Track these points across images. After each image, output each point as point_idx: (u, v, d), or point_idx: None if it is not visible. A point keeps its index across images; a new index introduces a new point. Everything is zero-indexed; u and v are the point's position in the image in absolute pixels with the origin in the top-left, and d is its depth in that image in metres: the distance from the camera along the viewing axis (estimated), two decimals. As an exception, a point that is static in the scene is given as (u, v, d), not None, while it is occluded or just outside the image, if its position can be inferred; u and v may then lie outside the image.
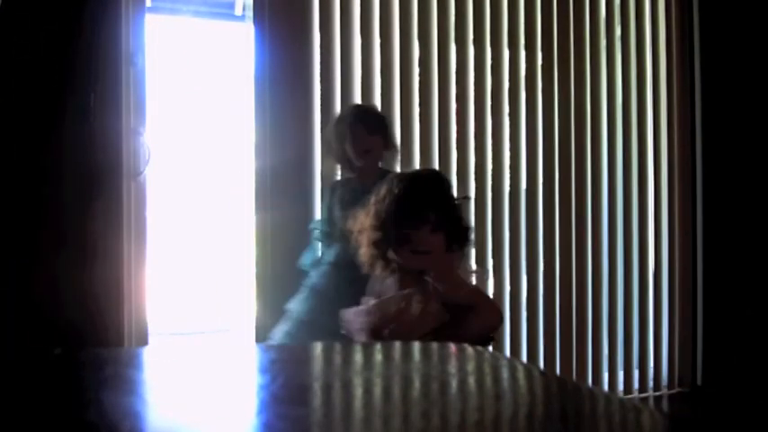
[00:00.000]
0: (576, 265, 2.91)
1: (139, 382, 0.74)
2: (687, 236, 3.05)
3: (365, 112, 2.40)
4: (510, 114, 2.83)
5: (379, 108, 2.64)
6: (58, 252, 2.07)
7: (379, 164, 2.35)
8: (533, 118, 2.87)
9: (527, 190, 2.86)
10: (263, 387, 0.72)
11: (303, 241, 2.53)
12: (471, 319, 1.73)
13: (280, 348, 1.13)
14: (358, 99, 2.62)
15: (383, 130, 2.35)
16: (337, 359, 0.87)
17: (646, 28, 3.04)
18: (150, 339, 2.37)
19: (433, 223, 1.70)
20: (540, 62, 2.89)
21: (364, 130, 2.29)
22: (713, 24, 3.02)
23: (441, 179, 1.89)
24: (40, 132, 2.08)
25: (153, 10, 2.55)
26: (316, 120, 2.56)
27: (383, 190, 1.77)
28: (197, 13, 3.30)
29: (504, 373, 0.78)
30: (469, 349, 0.86)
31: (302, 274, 2.37)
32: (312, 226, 2.49)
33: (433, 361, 0.84)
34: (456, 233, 1.76)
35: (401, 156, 2.66)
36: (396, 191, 1.73)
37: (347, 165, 2.34)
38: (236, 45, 3.27)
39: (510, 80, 2.84)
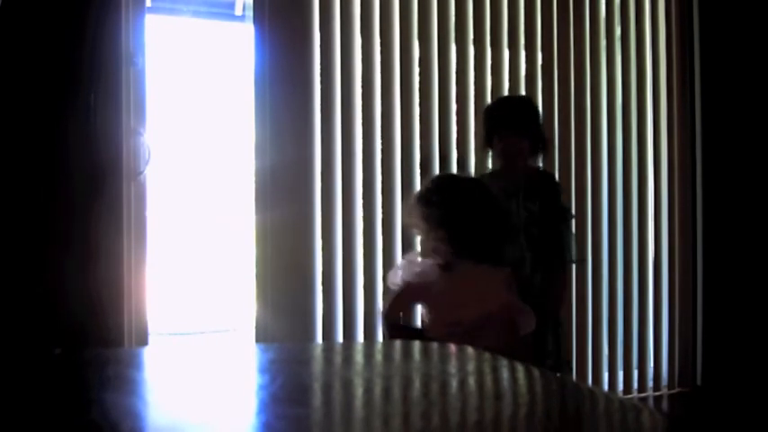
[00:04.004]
0: (577, 265, 2.90)
1: (140, 382, 0.74)
2: (687, 236, 3.05)
3: (517, 109, 2.30)
4: (510, 114, 2.83)
5: (380, 109, 2.64)
6: (58, 252, 2.07)
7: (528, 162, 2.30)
8: (533, 118, 2.86)
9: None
10: (262, 387, 0.72)
11: (303, 241, 2.53)
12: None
13: (280, 348, 1.13)
14: (358, 99, 2.62)
15: (533, 131, 2.26)
16: (337, 359, 0.87)
17: (646, 28, 3.04)
18: (150, 339, 2.37)
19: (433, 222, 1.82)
20: (540, 62, 2.89)
21: (513, 133, 2.22)
22: (713, 24, 3.02)
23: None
24: (40, 132, 2.08)
25: (153, 10, 2.55)
26: (316, 120, 2.56)
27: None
28: (197, 14, 3.30)
29: (504, 373, 0.78)
30: (469, 349, 0.86)
31: None
32: None
33: (433, 361, 0.84)
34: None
35: (400, 155, 2.67)
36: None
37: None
38: (236, 45, 3.27)
39: (510, 80, 2.84)
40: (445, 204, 1.84)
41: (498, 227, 1.89)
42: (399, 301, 1.92)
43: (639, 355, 3.00)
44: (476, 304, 1.77)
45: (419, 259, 1.92)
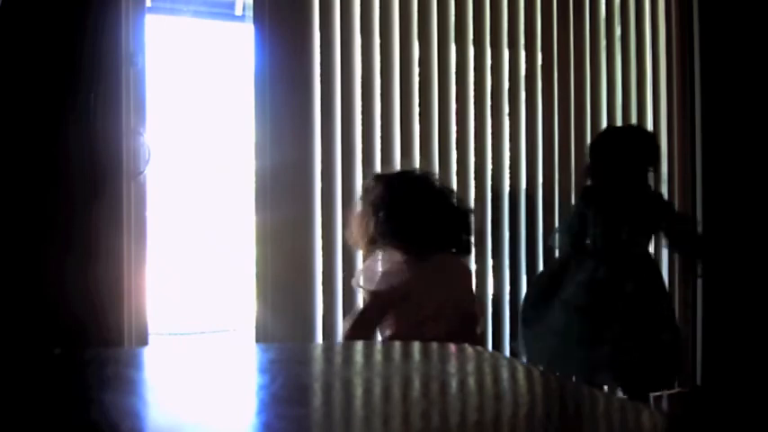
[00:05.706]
0: (576, 265, 2.90)
1: (139, 382, 0.74)
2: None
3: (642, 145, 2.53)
4: (510, 114, 2.83)
5: (380, 109, 2.64)
6: (57, 252, 2.07)
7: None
8: (533, 118, 2.87)
9: (527, 190, 2.86)
10: (262, 387, 0.72)
11: (303, 241, 2.53)
12: None
13: (280, 348, 1.13)
14: (358, 99, 2.62)
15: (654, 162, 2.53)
16: (337, 359, 0.87)
17: (646, 28, 3.04)
18: (150, 339, 2.37)
19: None
20: (540, 62, 2.89)
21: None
22: (713, 24, 3.02)
23: None
24: (40, 132, 2.08)
25: (153, 10, 2.55)
26: (316, 120, 2.56)
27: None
28: (197, 14, 3.30)
29: (504, 373, 0.78)
30: (469, 349, 0.86)
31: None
32: (558, 236, 2.60)
33: (433, 361, 0.84)
34: None
35: (400, 155, 2.67)
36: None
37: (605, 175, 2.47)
38: (236, 45, 3.27)
39: (510, 80, 2.84)
40: (394, 196, 1.92)
41: (450, 217, 1.98)
42: (368, 324, 1.90)
43: (639, 355, 3.00)
44: (444, 293, 1.86)
45: (379, 263, 1.93)
